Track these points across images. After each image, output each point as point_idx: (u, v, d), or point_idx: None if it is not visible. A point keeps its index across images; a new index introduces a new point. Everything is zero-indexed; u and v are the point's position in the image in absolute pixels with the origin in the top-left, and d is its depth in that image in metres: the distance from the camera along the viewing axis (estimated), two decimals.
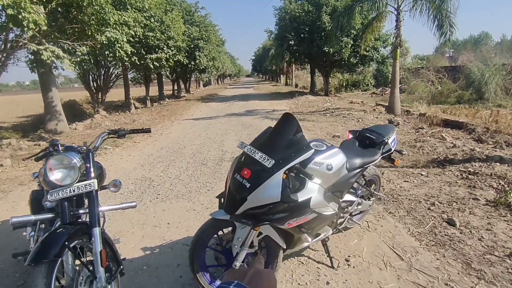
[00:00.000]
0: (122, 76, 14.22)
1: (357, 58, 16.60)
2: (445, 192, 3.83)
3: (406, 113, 9.76)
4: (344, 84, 21.84)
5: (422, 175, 4.46)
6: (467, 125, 7.32)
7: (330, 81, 19.64)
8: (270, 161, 1.76)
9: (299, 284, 2.28)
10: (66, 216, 1.88)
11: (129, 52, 8.25)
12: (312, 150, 1.88)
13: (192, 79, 30.06)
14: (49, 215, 1.94)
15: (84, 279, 1.78)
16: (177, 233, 3.13)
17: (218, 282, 2.11)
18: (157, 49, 12.31)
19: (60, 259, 1.66)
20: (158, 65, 12.52)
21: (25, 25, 5.87)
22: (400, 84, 20.33)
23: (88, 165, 1.95)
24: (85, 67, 8.27)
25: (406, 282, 2.27)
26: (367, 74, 21.90)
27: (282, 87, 30.86)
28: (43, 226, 2.42)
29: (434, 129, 7.19)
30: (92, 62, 8.47)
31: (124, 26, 8.18)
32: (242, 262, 2.01)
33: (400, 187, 4.11)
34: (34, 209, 2.53)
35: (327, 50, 15.58)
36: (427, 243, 2.75)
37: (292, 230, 2.00)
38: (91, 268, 1.80)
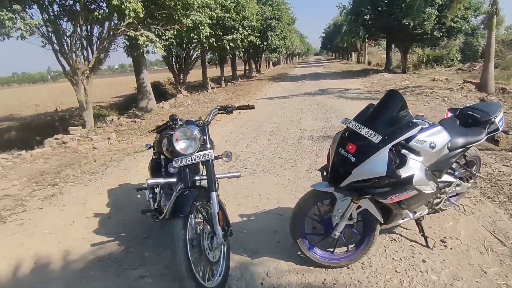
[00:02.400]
0: (200, 58, 15.05)
1: (442, 30, 15.00)
2: None
3: (501, 91, 8.68)
4: (424, 60, 19.97)
5: None
6: None
7: (408, 57, 18.16)
8: (378, 137, 1.85)
9: (393, 259, 2.37)
10: (188, 180, 2.23)
11: (208, 34, 8.74)
12: (419, 127, 1.92)
13: (262, 58, 30.37)
14: (173, 179, 2.31)
15: (207, 235, 2.13)
16: (268, 203, 3.42)
17: (316, 249, 2.32)
18: (233, 30, 12.72)
19: (190, 215, 2.02)
20: (233, 45, 12.99)
21: (126, 13, 6.61)
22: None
23: (205, 137, 2.26)
24: (172, 49, 9.02)
25: (510, 268, 2.21)
26: (452, 48, 19.68)
27: (354, 65, 29.44)
28: (160, 190, 2.84)
29: None
30: (178, 45, 9.15)
31: (206, 8, 8.65)
32: (340, 232, 2.18)
33: (499, 171, 3.83)
34: (153, 174, 3.01)
35: (407, 23, 14.37)
36: None
37: (392, 206, 2.09)
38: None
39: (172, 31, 7.98)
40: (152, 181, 2.32)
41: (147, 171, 4.44)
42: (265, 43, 18.32)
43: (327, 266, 2.30)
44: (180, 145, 2.17)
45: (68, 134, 7.80)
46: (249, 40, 14.06)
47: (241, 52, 16.00)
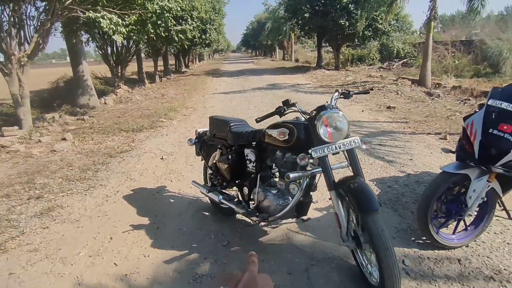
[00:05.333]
0: (138, 49, 13.74)
1: (370, 31, 16.63)
2: None
3: (437, 85, 10.01)
4: (350, 58, 21.87)
5: None
6: None
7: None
8: None
9: (495, 233, 2.50)
10: (331, 173, 2.00)
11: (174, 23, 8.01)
12: None
13: (191, 53, 29.31)
14: (319, 169, 2.02)
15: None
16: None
17: (441, 232, 2.30)
18: (180, 20, 11.92)
19: None
20: (182, 37, 12.17)
21: None
22: (405, 58, 20.76)
23: None
24: (134, 37, 7.98)
25: None
26: (372, 49, 21.98)
27: (283, 62, 30.55)
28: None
29: (480, 100, 7.48)
30: (139, 32, 8.12)
31: None
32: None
33: None
34: (232, 175, 2.61)
35: (342, 23, 15.51)
36: None
37: None
38: None
39: (134, 16, 7.04)
40: (295, 174, 1.98)
41: (165, 173, 3.92)
42: (204, 37, 17.70)
43: (451, 247, 2.30)
44: (328, 132, 1.91)
45: (3, 136, 6.32)
46: (197, 31, 13.36)
47: (185, 45, 15.09)
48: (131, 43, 12.37)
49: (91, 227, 2.90)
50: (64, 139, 6.16)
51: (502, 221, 2.66)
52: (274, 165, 2.40)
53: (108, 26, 6.12)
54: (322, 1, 15.83)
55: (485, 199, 2.22)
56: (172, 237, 2.67)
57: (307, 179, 2.12)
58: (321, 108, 1.98)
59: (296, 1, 16.77)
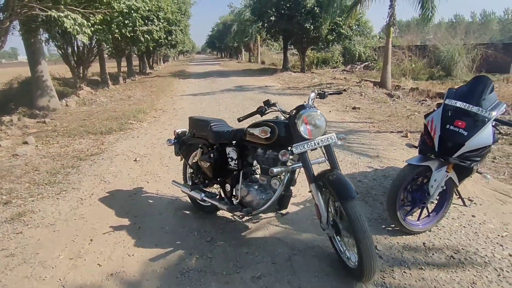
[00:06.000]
0: (101, 49, 13.24)
1: (334, 35, 17.31)
2: None
3: (396, 87, 10.68)
4: (315, 61, 22.58)
5: None
6: None
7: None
8: (487, 113, 2.18)
9: (453, 218, 2.79)
10: (311, 167, 2.14)
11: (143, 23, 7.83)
12: (505, 105, 2.34)
13: (155, 55, 28.65)
14: (299, 164, 2.17)
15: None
16: None
17: (407, 219, 2.54)
18: (146, 21, 11.67)
19: None
20: (149, 38, 11.91)
21: None
22: (367, 62, 21.81)
23: None
24: (99, 37, 7.70)
25: None
26: (335, 52, 22.85)
27: (249, 64, 30.81)
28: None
29: (435, 101, 8.11)
30: (104, 32, 7.83)
31: None
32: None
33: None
34: (214, 173, 2.71)
35: (308, 27, 16.01)
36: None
37: (472, 170, 2.46)
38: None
39: (99, 16, 6.82)
40: (278, 169, 2.11)
41: (141, 175, 3.93)
42: (170, 38, 17.42)
43: (416, 232, 2.55)
44: (308, 129, 2.06)
45: None
46: (164, 32, 13.11)
47: (150, 46, 14.71)
48: (93, 43, 11.91)
49: (68, 230, 2.84)
50: (26, 142, 5.85)
51: (458, 207, 2.97)
52: (255, 162, 2.51)
53: (72, 27, 5.89)
54: (288, 4, 16.22)
55: (444, 187, 2.48)
56: (155, 236, 2.69)
57: (288, 174, 2.26)
58: (300, 108, 2.12)
59: (262, 4, 17.04)
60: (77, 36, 6.36)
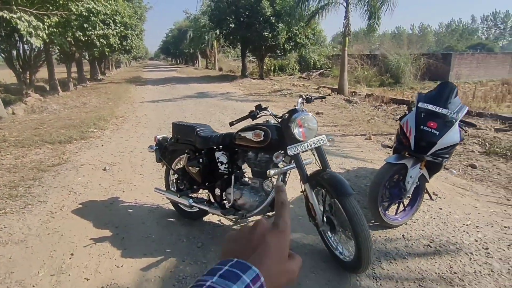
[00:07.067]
0: (49, 54, 12.36)
1: (291, 44, 17.89)
2: None
3: (352, 93, 11.31)
4: (272, 68, 23.08)
5: None
6: (409, 102, 9.08)
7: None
8: (454, 115, 2.45)
9: (424, 212, 3.06)
10: (304, 167, 2.24)
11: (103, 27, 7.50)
12: (467, 108, 2.63)
13: (107, 60, 27.37)
14: (293, 166, 2.25)
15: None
16: None
17: (387, 214, 2.73)
18: (103, 25, 11.14)
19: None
20: (105, 42, 11.35)
21: None
22: (322, 69, 22.79)
23: None
24: (54, 40, 7.19)
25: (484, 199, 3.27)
26: (291, 60, 23.56)
27: (207, 71, 30.62)
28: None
29: (389, 106, 8.75)
30: (61, 35, 7.30)
31: None
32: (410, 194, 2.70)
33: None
34: (203, 177, 2.71)
35: (266, 35, 16.38)
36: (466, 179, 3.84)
37: (440, 166, 2.73)
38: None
39: (54, 18, 6.40)
40: (275, 171, 2.17)
41: (114, 184, 3.80)
42: (125, 43, 16.78)
43: (394, 226, 2.75)
44: (302, 132, 2.15)
45: None
46: (119, 37, 12.58)
47: (106, 51, 13.95)
48: (41, 46, 11.12)
49: (42, 246, 2.64)
50: None
51: (426, 202, 3.24)
52: (245, 165, 2.56)
53: (26, 29, 5.48)
54: (247, 12, 16.49)
55: (418, 183, 2.73)
56: (142, 245, 2.61)
57: (281, 175, 2.34)
58: (293, 112, 2.22)
59: (221, 12, 17.13)
60: (29, 39, 5.90)
